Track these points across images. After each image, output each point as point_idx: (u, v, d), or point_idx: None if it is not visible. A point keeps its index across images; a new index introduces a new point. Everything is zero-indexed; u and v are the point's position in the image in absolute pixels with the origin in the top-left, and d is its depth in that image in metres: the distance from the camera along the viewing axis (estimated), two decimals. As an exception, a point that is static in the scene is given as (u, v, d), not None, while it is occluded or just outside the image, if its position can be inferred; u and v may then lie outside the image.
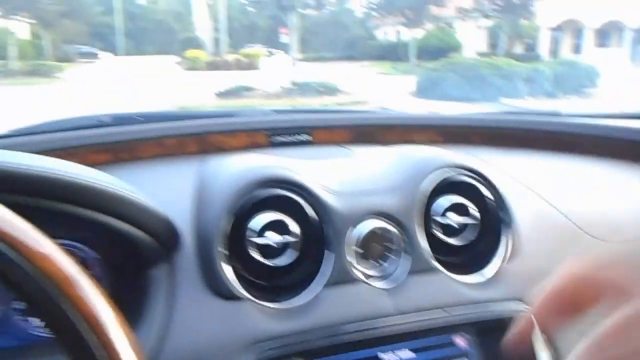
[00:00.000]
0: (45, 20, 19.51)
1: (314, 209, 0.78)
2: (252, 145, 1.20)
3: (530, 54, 20.92)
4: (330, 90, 12.77)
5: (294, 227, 0.76)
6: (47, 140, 1.07)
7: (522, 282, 0.82)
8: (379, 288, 0.77)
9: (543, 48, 22.80)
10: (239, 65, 21.57)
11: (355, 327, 0.72)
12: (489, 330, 0.77)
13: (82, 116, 1.30)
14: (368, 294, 0.76)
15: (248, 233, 0.75)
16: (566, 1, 21.04)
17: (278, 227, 0.76)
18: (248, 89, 12.66)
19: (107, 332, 0.39)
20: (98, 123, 1.22)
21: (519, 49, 22.69)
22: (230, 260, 0.74)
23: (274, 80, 13.71)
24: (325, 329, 0.71)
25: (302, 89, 12.94)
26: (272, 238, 0.75)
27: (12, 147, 0.97)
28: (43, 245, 0.39)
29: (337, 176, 0.86)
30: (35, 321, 0.74)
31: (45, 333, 0.74)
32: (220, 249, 0.73)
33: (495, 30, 22.11)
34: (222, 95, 12.18)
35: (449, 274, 0.81)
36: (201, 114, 1.28)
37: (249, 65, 21.69)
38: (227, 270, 0.73)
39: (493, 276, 0.82)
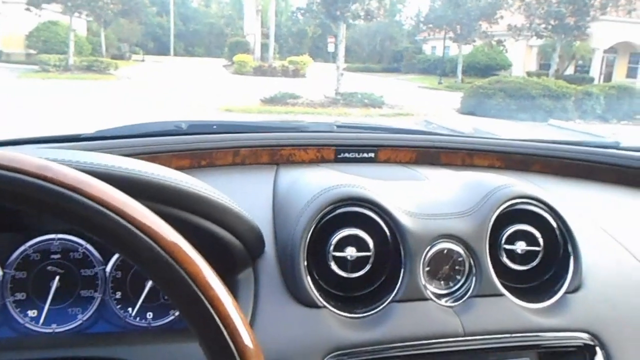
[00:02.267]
0: (102, 18, 20.29)
1: (389, 227, 0.83)
2: (320, 159, 1.26)
3: (582, 76, 20.42)
4: (375, 102, 12.79)
5: (370, 243, 0.82)
6: (132, 144, 1.16)
7: (587, 313, 0.84)
8: (447, 307, 0.82)
9: (595, 70, 22.22)
10: (285, 72, 21.85)
11: (426, 343, 0.77)
12: (553, 358, 0.80)
13: (161, 122, 1.39)
14: (436, 311, 0.81)
15: (328, 246, 0.80)
16: (622, 24, 20.45)
17: (354, 241, 0.82)
18: (293, 96, 12.82)
19: (225, 307, 0.46)
20: (177, 130, 1.31)
21: (570, 70, 22.18)
22: (310, 270, 0.80)
23: (319, 89, 13.83)
24: (397, 342, 0.76)
25: (347, 99, 13.01)
26: (350, 252, 0.80)
27: (100, 150, 1.06)
28: (163, 228, 0.46)
29: (410, 197, 0.91)
30: (132, 311, 0.81)
31: (140, 322, 0.81)
32: (303, 259, 0.79)
33: (546, 50, 21.70)
34: (267, 101, 12.38)
35: (513, 298, 0.84)
36: (273, 127, 1.35)
37: (295, 72, 21.93)
38: (308, 280, 0.79)
39: (557, 304, 0.85)
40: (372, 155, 1.29)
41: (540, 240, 0.89)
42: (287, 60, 24.01)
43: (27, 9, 17.64)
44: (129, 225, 0.44)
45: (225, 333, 0.45)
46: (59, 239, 0.80)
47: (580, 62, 22.68)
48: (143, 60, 28.45)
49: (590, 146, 1.39)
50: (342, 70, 14.52)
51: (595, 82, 19.72)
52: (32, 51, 19.50)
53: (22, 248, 0.79)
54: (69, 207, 0.44)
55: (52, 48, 18.93)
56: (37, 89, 12.93)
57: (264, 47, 25.87)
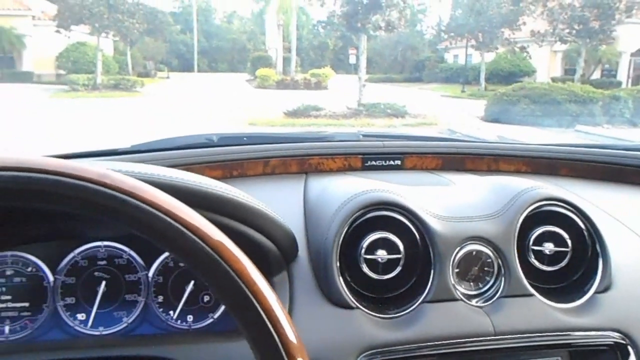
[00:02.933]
0: (128, 37, 20.81)
1: (418, 230, 0.86)
2: (348, 167, 1.30)
3: (609, 80, 20.06)
4: (398, 112, 12.79)
5: (400, 245, 0.84)
6: (167, 156, 1.21)
7: (617, 312, 0.85)
8: (477, 307, 0.84)
9: (623, 74, 21.80)
10: (307, 85, 22.02)
11: (457, 342, 0.79)
12: (584, 357, 0.81)
13: (193, 135, 1.45)
14: (467, 312, 0.83)
15: (359, 249, 0.83)
16: (650, 26, 20.06)
17: (385, 244, 0.84)
18: (315, 108, 12.90)
19: (269, 302, 0.49)
20: (208, 142, 1.36)
21: (596, 75, 21.81)
22: (342, 273, 0.83)
23: (341, 101, 13.90)
24: (429, 341, 0.78)
25: (370, 110, 13.04)
26: (381, 254, 0.83)
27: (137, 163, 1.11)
28: (215, 233, 0.49)
29: (438, 201, 0.94)
30: (173, 314, 0.85)
31: (180, 325, 0.85)
32: (336, 262, 0.82)
33: (571, 55, 21.41)
34: (290, 114, 12.50)
35: (543, 299, 0.86)
36: (301, 138, 1.39)
37: (317, 85, 22.08)
38: (341, 281, 0.82)
39: (587, 304, 0.86)
40: (399, 162, 1.32)
41: (569, 241, 0.90)
42: (309, 73, 24.19)
43: (57, 31, 18.22)
44: (179, 226, 0.48)
45: (270, 326, 0.48)
46: (105, 246, 0.85)
47: (606, 66, 22.27)
48: (168, 77, 29.01)
49: (618, 149, 1.39)
50: (364, 82, 14.56)
51: (623, 85, 19.35)
52: (61, 71, 20.09)
53: (71, 255, 0.84)
54: (125, 210, 0.48)
55: (81, 68, 19.48)
56: (68, 108, 13.31)
57: (286, 60, 26.15)
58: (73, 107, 13.53)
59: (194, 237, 0.48)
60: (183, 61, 37.97)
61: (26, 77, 19.89)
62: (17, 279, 0.82)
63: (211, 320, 0.86)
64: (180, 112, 12.69)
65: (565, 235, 0.90)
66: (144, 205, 0.48)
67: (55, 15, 18.35)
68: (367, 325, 0.79)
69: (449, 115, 13.26)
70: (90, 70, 18.78)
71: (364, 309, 0.81)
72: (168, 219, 0.48)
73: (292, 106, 12.77)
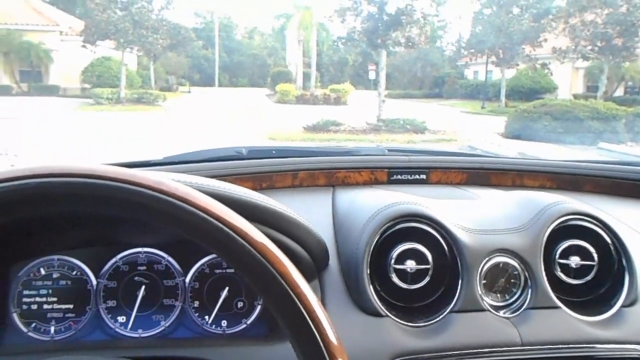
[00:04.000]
0: (152, 52, 21.23)
1: (446, 242, 0.88)
2: (373, 181, 1.33)
3: (633, 98, 19.79)
4: (417, 128, 12.79)
5: (428, 256, 0.87)
6: (198, 168, 1.25)
7: None
8: (504, 318, 0.86)
9: (646, 91, 21.50)
10: (327, 100, 22.16)
11: (485, 352, 0.81)
12: None
13: (222, 148, 1.50)
14: (494, 322, 0.85)
15: (389, 259, 0.86)
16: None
17: (413, 255, 0.87)
18: (335, 123, 12.98)
19: (312, 304, 0.52)
20: (238, 155, 1.40)
21: (619, 92, 21.56)
22: (372, 282, 0.86)
23: (361, 117, 13.96)
24: (457, 349, 0.81)
25: (389, 125, 13.07)
26: (410, 265, 0.86)
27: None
28: (261, 237, 0.53)
29: (465, 214, 0.96)
30: (209, 319, 0.89)
31: (215, 330, 0.88)
32: (367, 271, 0.85)
33: (593, 72, 21.20)
34: (310, 129, 12.58)
35: (569, 311, 0.87)
36: (328, 151, 1.43)
37: (337, 100, 22.21)
38: (371, 290, 0.84)
39: (613, 318, 0.87)
40: (424, 177, 1.34)
41: (595, 255, 0.91)
42: (329, 88, 24.37)
43: (83, 46, 18.70)
44: (229, 230, 0.52)
45: (312, 327, 0.51)
46: (145, 252, 0.89)
47: (629, 83, 22.01)
48: (189, 92, 29.46)
49: None
50: (384, 97, 14.62)
51: (647, 103, 19.07)
52: (86, 85, 20.56)
53: (113, 260, 0.88)
54: (179, 214, 0.52)
55: (105, 82, 19.92)
56: (93, 120, 13.62)
57: (306, 76, 26.41)
58: (98, 120, 13.84)
59: (242, 241, 0.52)
60: (204, 76, 38.52)
61: (52, 91, 20.40)
62: (62, 282, 0.87)
63: (244, 325, 0.89)
64: (201, 126, 12.87)
65: (592, 249, 0.92)
66: (196, 211, 0.52)
67: (82, 30, 18.87)
68: (396, 333, 0.82)
69: (469, 131, 13.21)
70: (114, 84, 19.19)
71: (393, 317, 0.84)
72: (219, 224, 0.52)
73: (312, 121, 12.86)
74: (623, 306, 0.89)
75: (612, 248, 0.92)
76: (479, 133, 13.14)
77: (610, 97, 18.66)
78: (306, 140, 11.39)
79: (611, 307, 0.89)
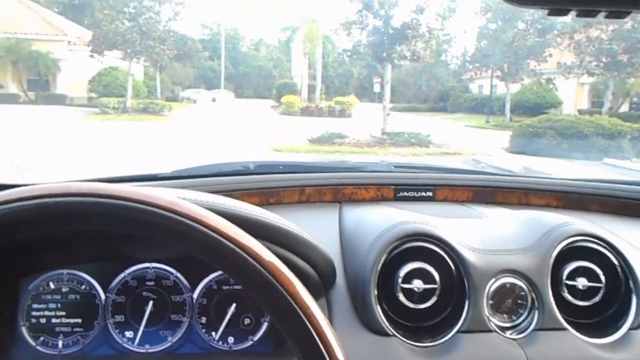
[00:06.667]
0: (159, 63, 21.38)
1: (453, 261, 0.89)
2: (380, 198, 1.33)
3: (638, 114, 19.77)
4: (422, 142, 12.80)
5: (435, 275, 0.87)
6: (207, 183, 1.26)
7: None
8: (511, 339, 0.85)
9: (651, 108, 21.47)
10: (332, 113, 22.20)
11: None
12: None
13: (230, 163, 1.51)
14: (501, 343, 0.84)
15: (396, 278, 0.87)
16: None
17: (420, 274, 0.87)
18: (339, 136, 13.00)
19: (321, 325, 0.52)
20: (245, 170, 1.41)
21: (624, 108, 21.54)
22: (379, 301, 0.86)
23: (365, 129, 13.98)
24: None
25: (394, 139, 13.08)
26: (417, 284, 0.86)
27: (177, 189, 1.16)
28: (271, 257, 0.53)
29: (472, 233, 0.97)
30: (215, 335, 0.89)
31: (222, 346, 0.89)
32: (374, 290, 0.85)
33: (599, 88, 21.21)
34: (314, 141, 12.60)
35: (576, 333, 0.87)
36: (335, 168, 1.44)
37: (341, 112, 22.25)
38: (378, 309, 0.84)
39: (621, 340, 0.87)
40: (430, 194, 1.35)
41: (602, 277, 0.91)
42: (334, 100, 24.40)
43: (91, 56, 18.86)
44: (240, 251, 0.53)
45: (321, 347, 0.52)
46: (153, 267, 0.90)
47: (635, 99, 21.99)
48: (195, 102, 29.61)
49: None
50: (388, 110, 14.65)
51: (653, 120, 19.04)
52: (93, 95, 20.70)
53: (122, 275, 0.89)
54: (192, 234, 0.52)
55: (112, 92, 20.04)
56: (99, 130, 13.72)
57: (311, 88, 26.48)
58: (105, 130, 13.93)
59: (253, 261, 0.53)
60: (210, 87, 38.68)
61: (59, 100, 20.54)
62: (71, 296, 0.87)
63: (251, 342, 0.89)
64: (206, 137, 12.92)
65: (599, 271, 0.92)
66: (209, 232, 0.52)
67: (90, 40, 19.04)
68: (403, 352, 0.82)
69: (474, 145, 13.21)
70: (121, 94, 19.31)
71: (400, 336, 0.84)
72: (231, 244, 0.52)
73: (317, 133, 12.89)
74: (631, 329, 0.88)
75: (619, 270, 0.92)
76: (483, 147, 13.14)
77: (616, 112, 18.64)
78: (310, 153, 11.40)
79: (618, 329, 0.88)
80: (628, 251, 0.95)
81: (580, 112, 19.57)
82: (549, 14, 0.49)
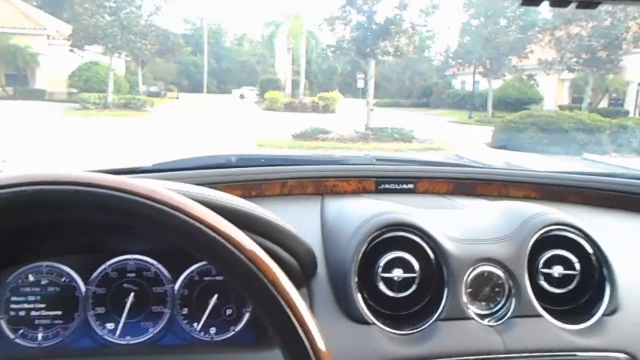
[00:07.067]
0: (140, 58, 21.13)
1: (432, 251, 0.90)
2: (362, 190, 1.34)
3: (616, 109, 20.12)
4: (405, 137, 12.88)
5: (415, 265, 0.88)
6: (188, 176, 1.25)
7: (624, 335, 0.88)
8: (489, 326, 0.87)
9: (630, 103, 21.85)
10: (315, 108, 22.20)
11: (469, 359, 0.82)
12: None
13: (212, 156, 1.50)
14: (478, 330, 0.86)
15: (376, 268, 0.88)
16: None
17: (400, 264, 0.88)
18: (323, 131, 13.02)
19: (301, 311, 0.53)
20: (227, 163, 1.41)
21: (604, 104, 21.89)
22: (360, 290, 0.87)
23: (349, 125, 14.02)
24: (443, 357, 0.82)
25: (377, 134, 13.14)
26: (397, 273, 0.87)
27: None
28: (251, 245, 0.54)
29: (451, 224, 0.98)
30: (197, 326, 0.89)
31: (204, 337, 0.89)
32: (355, 279, 0.86)
33: (579, 84, 21.53)
34: (298, 136, 12.60)
35: (551, 319, 0.89)
36: (317, 160, 1.45)
37: (325, 108, 22.27)
38: (359, 298, 0.85)
39: (595, 326, 0.89)
40: (411, 186, 1.36)
41: (577, 265, 0.94)
42: (317, 96, 24.40)
43: (71, 50, 18.57)
44: (220, 239, 0.53)
45: (301, 334, 0.52)
46: (134, 259, 0.90)
47: (614, 95, 22.35)
48: (177, 98, 29.36)
49: (626, 178, 1.43)
50: (372, 106, 14.71)
51: (631, 115, 19.40)
52: (73, 90, 20.40)
53: (102, 267, 0.88)
54: (172, 223, 0.53)
55: (92, 87, 19.77)
56: (82, 125, 13.53)
57: (295, 83, 26.46)
58: (86, 125, 13.75)
59: (233, 249, 0.53)
60: (193, 82, 38.36)
61: (38, 95, 20.21)
62: (51, 289, 0.87)
63: (233, 332, 0.90)
64: (189, 132, 12.84)
65: (574, 259, 0.94)
66: (189, 219, 0.53)
67: (70, 35, 18.73)
68: (383, 340, 0.83)
69: (456, 140, 13.32)
70: (102, 89, 19.05)
71: (380, 325, 0.85)
72: (211, 232, 0.53)
73: (300, 129, 12.89)
74: (604, 315, 0.91)
75: (593, 258, 0.94)
76: (466, 142, 13.25)
77: (595, 108, 18.95)
78: (294, 148, 11.40)
79: (592, 315, 0.91)
80: (602, 240, 0.97)
81: (561, 107, 19.87)
82: (523, 4, 0.50)
